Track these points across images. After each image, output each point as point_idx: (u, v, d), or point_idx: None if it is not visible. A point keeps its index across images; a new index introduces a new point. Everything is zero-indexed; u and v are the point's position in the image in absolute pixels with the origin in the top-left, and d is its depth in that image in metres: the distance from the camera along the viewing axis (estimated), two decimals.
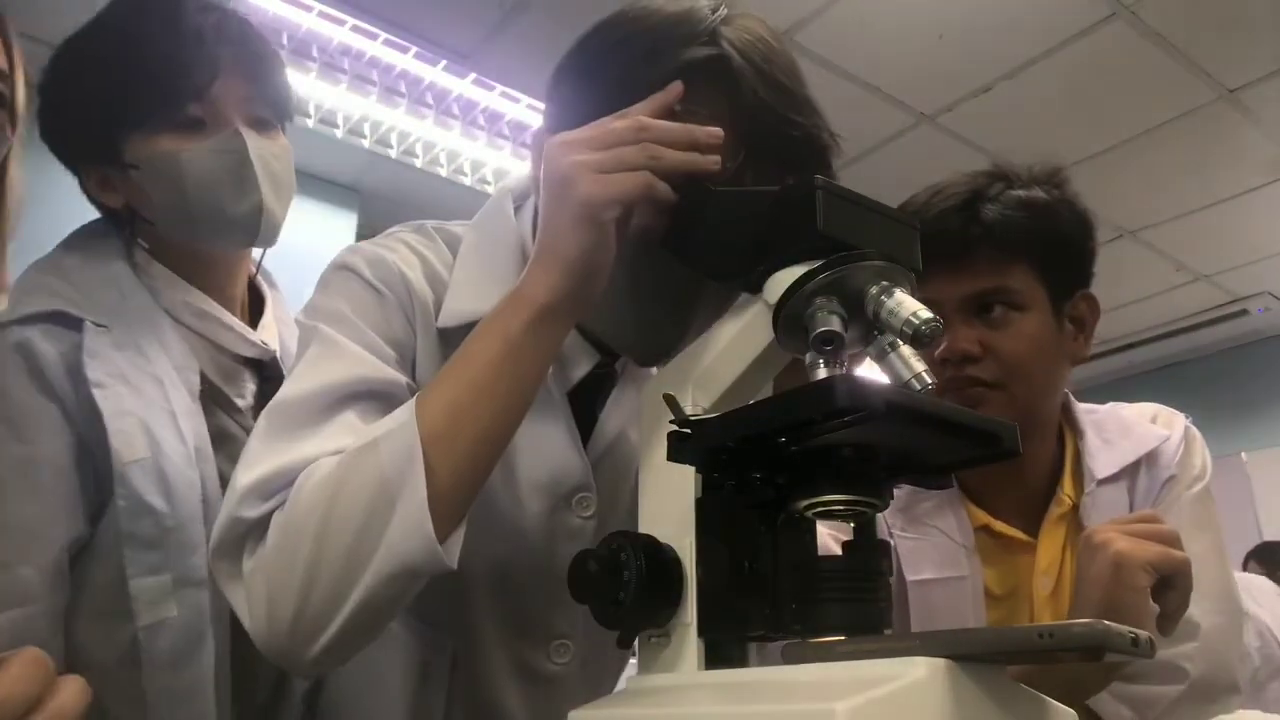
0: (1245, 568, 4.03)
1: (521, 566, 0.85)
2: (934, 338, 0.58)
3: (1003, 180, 1.06)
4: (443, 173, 3.59)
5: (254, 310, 1.13)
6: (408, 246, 0.86)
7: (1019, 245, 1.03)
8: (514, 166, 3.60)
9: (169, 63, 0.96)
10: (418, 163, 3.52)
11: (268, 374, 1.09)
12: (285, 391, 0.75)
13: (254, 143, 1.00)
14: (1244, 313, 4.81)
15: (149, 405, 0.91)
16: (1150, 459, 1.05)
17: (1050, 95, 3.17)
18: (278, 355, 1.10)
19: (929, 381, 0.61)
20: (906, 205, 1.07)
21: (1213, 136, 3.41)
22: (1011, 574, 1.06)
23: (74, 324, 0.92)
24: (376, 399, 0.75)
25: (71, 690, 0.46)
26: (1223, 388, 5.22)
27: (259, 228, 1.03)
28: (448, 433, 0.67)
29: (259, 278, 1.16)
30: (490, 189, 3.68)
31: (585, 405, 0.87)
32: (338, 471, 0.67)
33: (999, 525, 1.07)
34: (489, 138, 3.45)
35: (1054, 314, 1.05)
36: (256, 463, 0.70)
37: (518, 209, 0.91)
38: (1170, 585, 0.84)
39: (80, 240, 1.04)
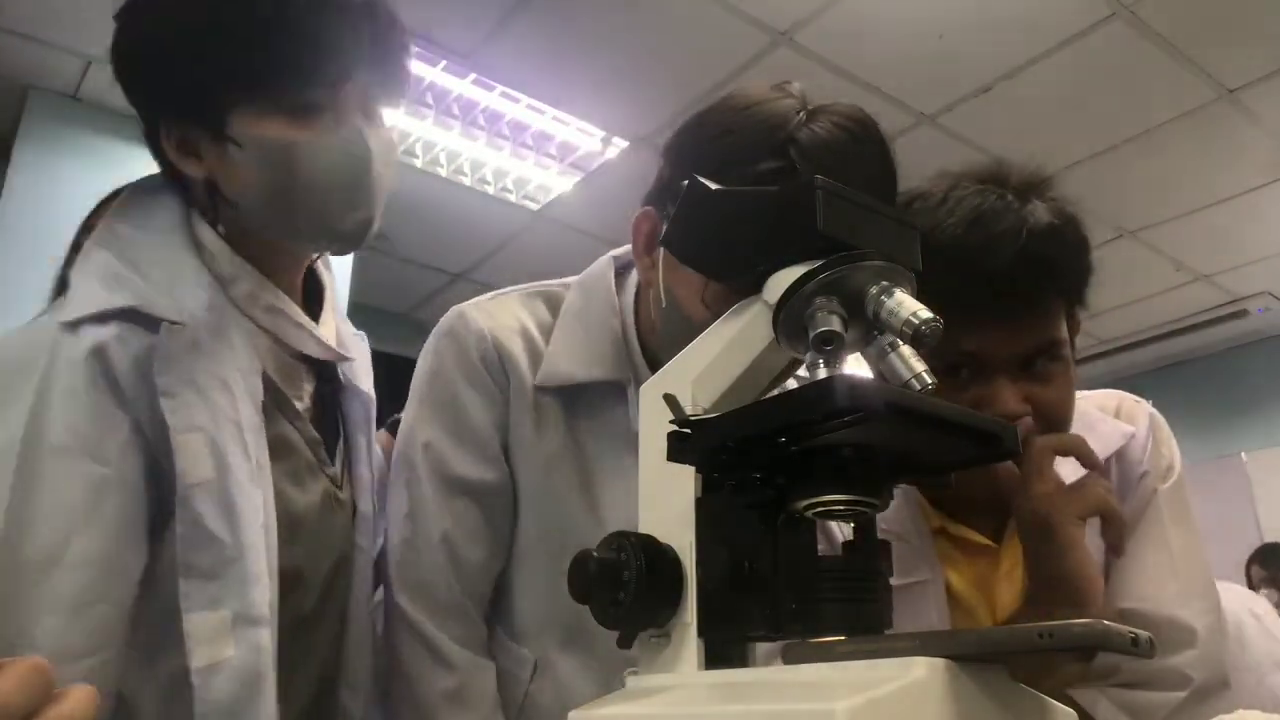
0: (1249, 572, 4.01)
1: None
2: (934, 338, 0.58)
3: (1023, 201, 0.95)
4: (443, 173, 3.59)
5: (309, 298, 1.01)
6: (509, 312, 1.00)
7: (1064, 290, 0.96)
8: (514, 167, 3.60)
9: (309, 42, 0.84)
10: (418, 163, 3.53)
11: (326, 374, 1.00)
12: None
13: (373, 143, 0.89)
14: (1244, 313, 4.81)
15: (216, 416, 0.82)
16: (1119, 457, 1.03)
17: (1050, 95, 3.17)
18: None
19: (929, 381, 0.61)
20: (919, 218, 0.95)
21: (1213, 136, 3.41)
22: (973, 577, 1.03)
23: (149, 323, 0.81)
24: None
25: (77, 698, 0.45)
26: (1223, 388, 5.22)
27: (362, 240, 0.92)
28: None
29: (319, 262, 1.04)
30: (490, 189, 3.69)
31: None
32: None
33: (955, 529, 1.04)
34: (489, 138, 3.46)
35: (1072, 348, 1.00)
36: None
37: (620, 278, 1.02)
38: (1103, 520, 0.86)
39: (136, 211, 0.90)
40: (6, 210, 2.98)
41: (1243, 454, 5.11)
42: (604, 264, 1.04)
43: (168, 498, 0.79)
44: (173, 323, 0.82)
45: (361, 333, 1.10)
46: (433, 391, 0.99)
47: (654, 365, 0.98)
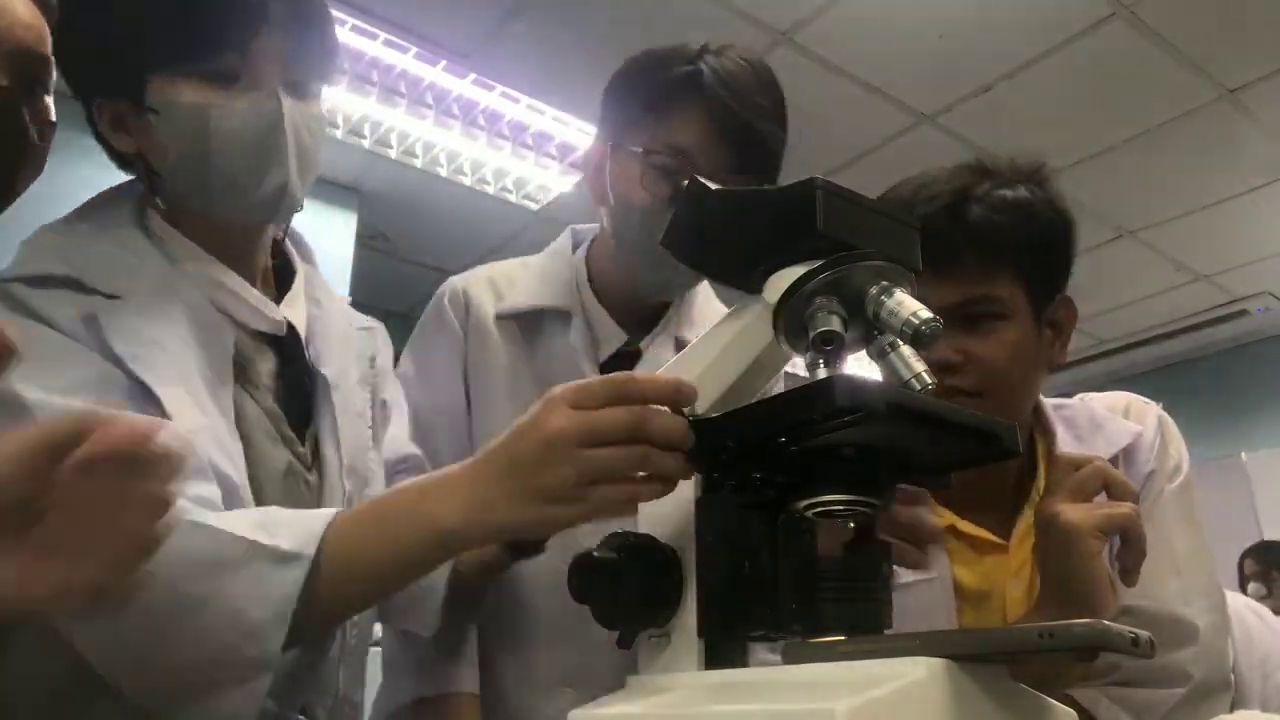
0: (1241, 565, 4.01)
1: None
2: (934, 338, 0.58)
3: (988, 178, 1.02)
4: (443, 173, 3.59)
5: (282, 283, 1.02)
6: (486, 270, 1.24)
7: (1004, 251, 0.99)
8: (514, 167, 3.60)
9: (214, 6, 0.86)
10: (418, 163, 3.53)
11: (289, 353, 0.97)
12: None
13: (290, 109, 0.89)
14: (1244, 313, 4.81)
15: (187, 371, 0.83)
16: (1126, 454, 1.04)
17: (1050, 95, 3.17)
18: (302, 334, 0.99)
19: (929, 381, 0.61)
20: (888, 198, 1.03)
21: (1213, 136, 3.41)
22: (982, 574, 1.04)
23: (88, 292, 0.83)
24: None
25: None
26: (1223, 388, 5.22)
27: (279, 208, 0.93)
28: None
29: (288, 246, 1.05)
30: (490, 189, 3.69)
31: None
32: None
33: (964, 525, 1.05)
34: (489, 138, 3.46)
35: (1034, 320, 1.02)
36: None
37: (577, 245, 1.25)
38: (1124, 541, 0.86)
39: (92, 206, 0.94)
40: (6, 210, 2.97)
41: (1243, 454, 5.10)
42: (565, 235, 1.27)
43: None
44: (110, 296, 0.83)
45: (376, 324, 1.12)
46: (414, 339, 1.23)
47: (599, 296, 1.18)
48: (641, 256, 1.09)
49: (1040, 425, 1.09)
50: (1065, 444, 1.05)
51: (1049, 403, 1.11)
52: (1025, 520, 1.03)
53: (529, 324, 1.17)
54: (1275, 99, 3.22)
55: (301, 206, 0.95)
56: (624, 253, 1.13)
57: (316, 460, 0.95)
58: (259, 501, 0.85)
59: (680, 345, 1.17)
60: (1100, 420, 1.07)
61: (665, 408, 0.63)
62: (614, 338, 1.17)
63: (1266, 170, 3.65)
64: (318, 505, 0.92)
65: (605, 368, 1.15)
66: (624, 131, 1.11)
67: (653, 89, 1.08)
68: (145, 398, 0.79)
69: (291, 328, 0.97)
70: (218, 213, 0.93)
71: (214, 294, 0.92)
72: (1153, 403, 1.10)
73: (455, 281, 1.22)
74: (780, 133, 1.08)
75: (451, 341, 1.17)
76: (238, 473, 0.82)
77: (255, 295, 0.94)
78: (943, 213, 0.98)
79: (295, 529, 0.71)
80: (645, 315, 1.19)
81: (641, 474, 0.63)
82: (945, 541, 1.04)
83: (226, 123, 0.87)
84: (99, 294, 0.83)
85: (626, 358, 1.17)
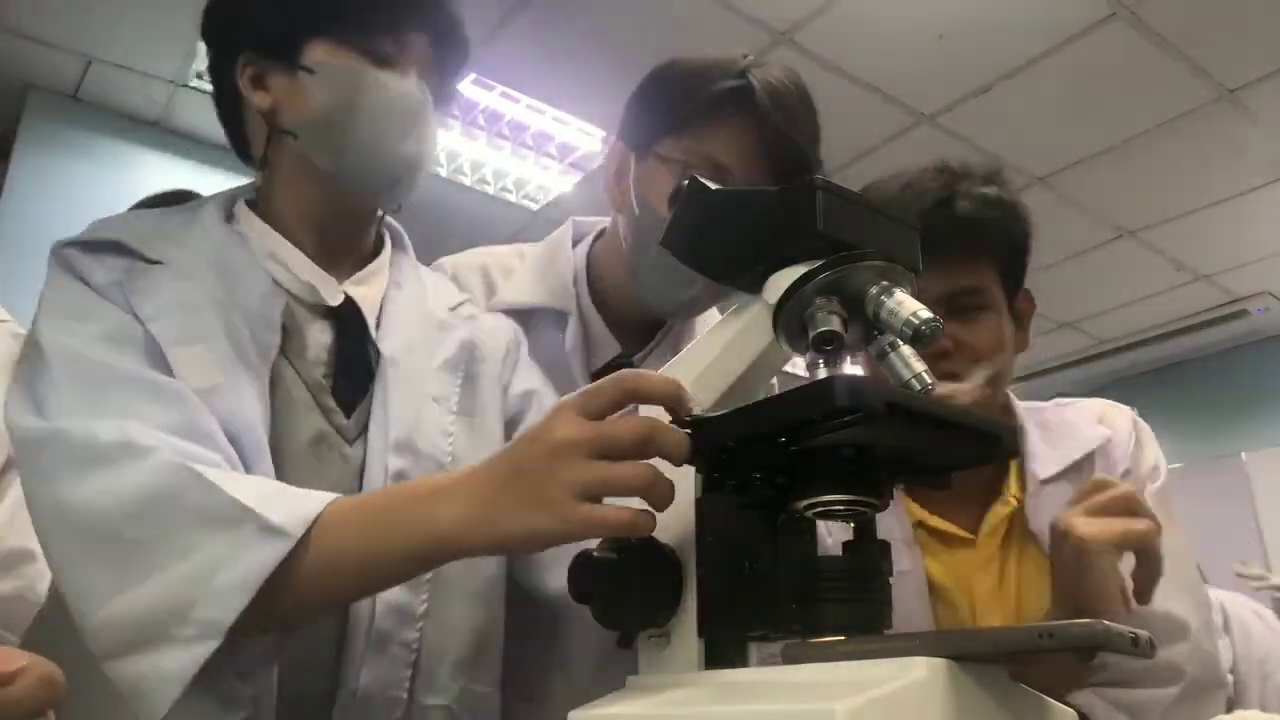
0: None
1: None
2: (934, 338, 0.58)
3: (967, 178, 1.08)
4: (443, 173, 3.59)
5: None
6: (480, 255, 1.23)
7: (988, 244, 1.07)
8: (514, 167, 3.61)
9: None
10: None
11: (349, 328, 0.96)
12: None
13: (429, 105, 0.96)
14: (1244, 313, 4.81)
15: (211, 332, 0.84)
16: (1101, 454, 1.06)
17: (1050, 95, 3.17)
18: (371, 312, 0.98)
19: (929, 382, 0.61)
20: (869, 192, 1.06)
21: (1213, 136, 3.41)
22: (952, 569, 1.06)
23: (129, 256, 0.87)
24: None
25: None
26: (1223, 388, 5.21)
27: (401, 181, 0.97)
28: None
29: (393, 229, 1.09)
30: (489, 189, 3.69)
31: None
32: None
33: (934, 521, 1.07)
34: (489, 138, 3.46)
35: (1008, 309, 1.10)
36: None
37: (577, 239, 1.22)
38: (1139, 558, 0.85)
39: (189, 202, 0.99)
40: (6, 210, 2.97)
41: (1243, 454, 5.10)
42: (565, 227, 1.24)
43: None
44: (151, 261, 0.87)
45: (494, 320, 1.10)
46: None
47: (596, 300, 1.16)
48: (664, 272, 1.05)
49: None
50: (1036, 444, 1.09)
51: (1023, 405, 1.13)
52: (995, 515, 1.06)
53: (520, 319, 1.13)
54: (1275, 99, 3.22)
55: (409, 194, 1.00)
56: (643, 265, 1.08)
57: (364, 434, 0.92)
58: (280, 464, 0.84)
59: None
60: (1072, 425, 1.11)
61: (667, 419, 0.63)
62: (608, 346, 1.14)
63: (1266, 170, 3.65)
64: (355, 478, 0.90)
65: (596, 378, 1.11)
66: (656, 139, 1.06)
67: (695, 100, 1.04)
68: (159, 355, 0.82)
69: (353, 304, 0.97)
70: (344, 175, 0.96)
71: (268, 265, 0.94)
72: (1127, 408, 1.13)
73: (444, 264, 1.19)
74: (819, 161, 1.05)
75: None
76: (253, 432, 0.82)
77: (310, 271, 0.96)
78: (933, 208, 1.04)
79: (291, 506, 0.71)
80: (643, 327, 1.17)
81: (642, 508, 0.62)
82: (917, 536, 1.07)
83: (381, 93, 0.93)
84: (141, 258, 0.87)
85: (619, 369, 1.13)
